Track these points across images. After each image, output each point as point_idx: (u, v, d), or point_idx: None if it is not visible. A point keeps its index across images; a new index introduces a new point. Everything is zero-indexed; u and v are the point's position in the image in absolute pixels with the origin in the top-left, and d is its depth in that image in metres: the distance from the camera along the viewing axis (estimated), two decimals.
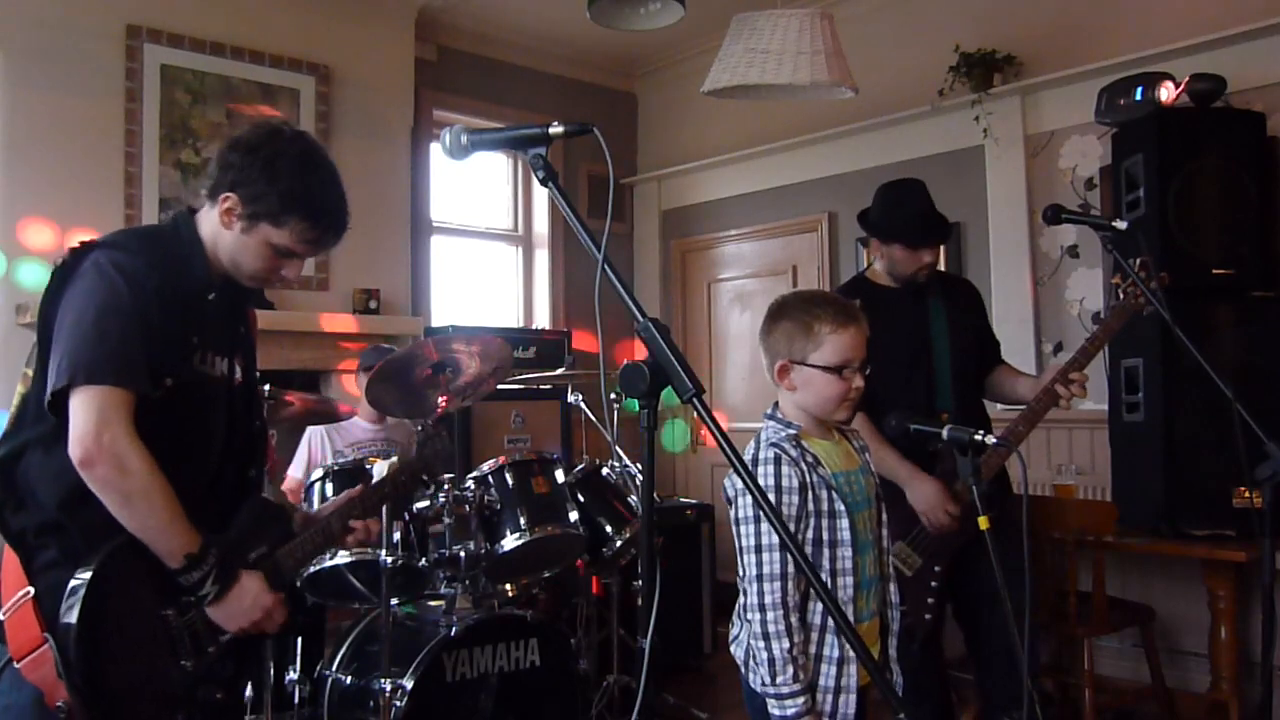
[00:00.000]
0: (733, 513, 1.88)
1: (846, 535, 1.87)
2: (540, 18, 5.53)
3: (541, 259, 6.09)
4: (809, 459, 1.89)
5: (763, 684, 1.80)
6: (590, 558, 3.34)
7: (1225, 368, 2.31)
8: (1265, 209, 3.56)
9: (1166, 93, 3.61)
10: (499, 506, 3.07)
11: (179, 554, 1.69)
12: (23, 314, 3.92)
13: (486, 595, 3.09)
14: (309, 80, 4.81)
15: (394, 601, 2.88)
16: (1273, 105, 3.74)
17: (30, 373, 1.76)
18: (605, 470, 3.54)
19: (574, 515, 3.16)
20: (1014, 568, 1.84)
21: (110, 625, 1.64)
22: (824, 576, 1.85)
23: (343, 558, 2.84)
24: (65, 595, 1.62)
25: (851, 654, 1.82)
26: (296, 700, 3.03)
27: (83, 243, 1.77)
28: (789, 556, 1.77)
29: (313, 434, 3.70)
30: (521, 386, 4.64)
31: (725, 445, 1.18)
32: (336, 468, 3.11)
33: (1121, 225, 2.53)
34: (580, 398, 4.02)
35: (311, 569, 2.86)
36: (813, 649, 1.84)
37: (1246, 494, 3.16)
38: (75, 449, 1.63)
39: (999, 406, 3.29)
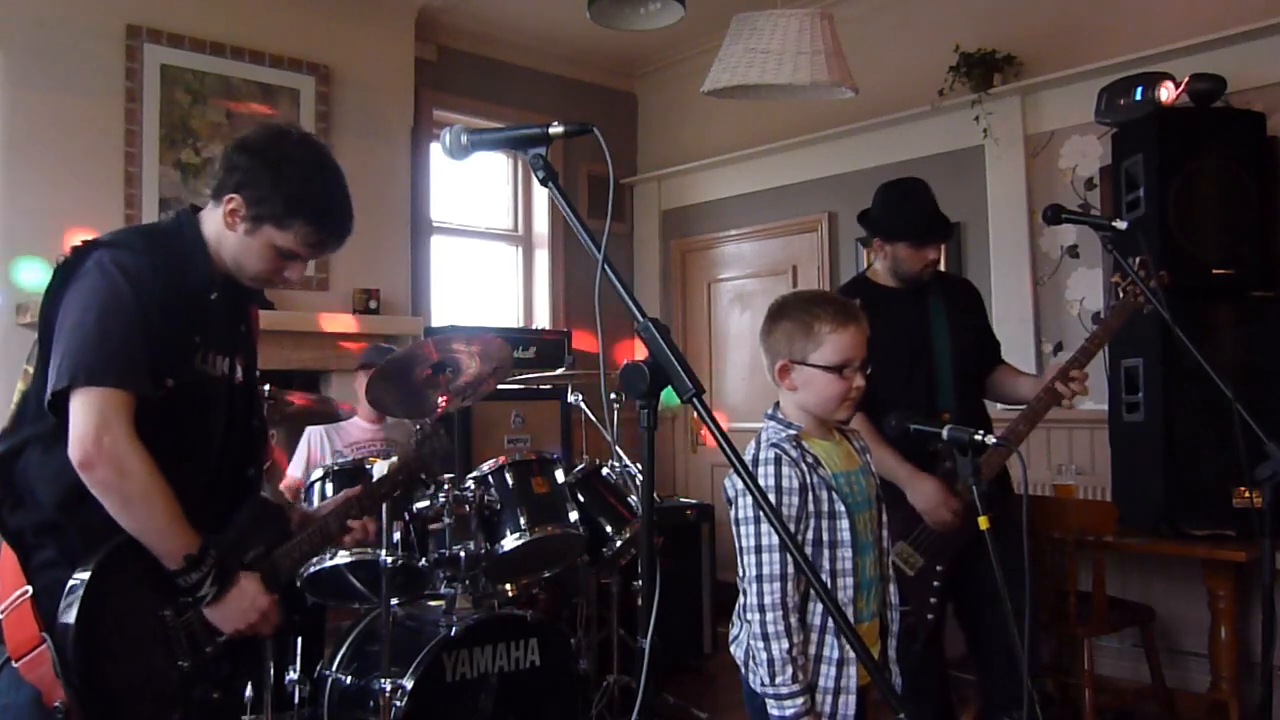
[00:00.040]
0: (733, 513, 1.88)
1: (847, 536, 1.87)
2: (540, 18, 5.53)
3: (541, 259, 6.09)
4: (809, 460, 1.89)
5: (762, 684, 1.80)
6: (590, 558, 3.34)
7: (1225, 368, 2.31)
8: (1265, 209, 3.56)
9: (1166, 93, 3.60)
10: (499, 506, 3.06)
11: (178, 555, 1.69)
12: (23, 314, 3.92)
13: (486, 595, 3.09)
14: (309, 80, 4.81)
15: (394, 601, 2.88)
16: (1273, 105, 3.74)
17: (31, 370, 1.76)
18: (605, 470, 3.54)
19: (574, 515, 3.16)
20: (1015, 568, 1.84)
21: (108, 625, 1.64)
22: (824, 577, 1.85)
23: (343, 558, 2.84)
24: (63, 595, 1.62)
25: (851, 655, 1.82)
26: (296, 700, 3.03)
27: (85, 241, 1.76)
28: (789, 557, 1.77)
29: (312, 434, 3.70)
30: (521, 386, 4.64)
31: (725, 446, 1.18)
32: (336, 468, 3.11)
33: (1121, 225, 2.53)
34: (580, 398, 4.02)
35: (312, 569, 2.86)
36: (812, 650, 1.84)
37: (1246, 494, 3.16)
38: (75, 451, 1.63)
39: (999, 406, 3.29)
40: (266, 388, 2.89)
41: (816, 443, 1.95)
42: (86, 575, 1.63)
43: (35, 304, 1.95)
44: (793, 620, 1.80)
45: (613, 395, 3.73)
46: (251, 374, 1.99)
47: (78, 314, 1.68)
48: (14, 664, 1.62)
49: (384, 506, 2.64)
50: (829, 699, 1.83)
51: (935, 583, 2.71)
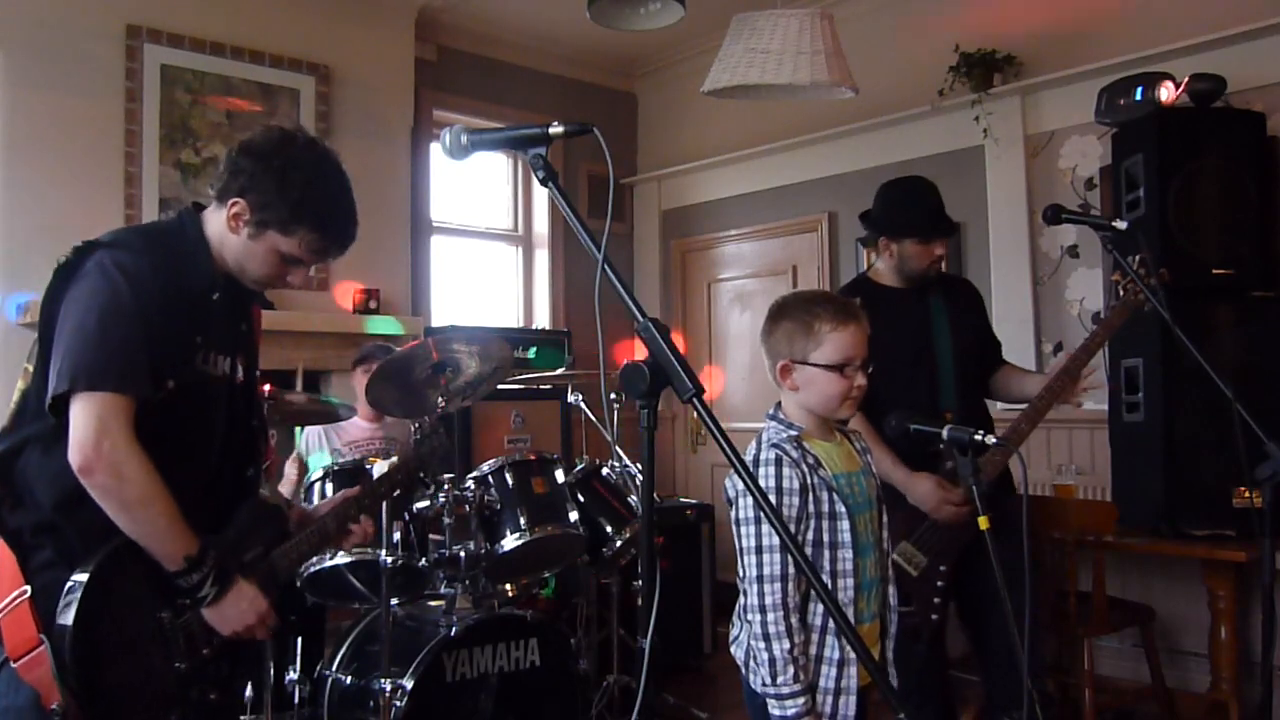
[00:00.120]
0: (733, 513, 1.88)
1: (847, 537, 1.87)
2: (540, 18, 5.53)
3: (541, 259, 6.08)
4: (810, 460, 1.89)
5: (763, 684, 1.80)
6: (590, 558, 3.34)
7: (1225, 368, 2.30)
8: (1265, 209, 3.56)
9: (1166, 93, 3.60)
10: (499, 506, 3.07)
11: (178, 557, 1.69)
12: (23, 314, 3.92)
13: (486, 595, 3.09)
14: (309, 80, 4.80)
15: (394, 601, 2.88)
16: (1273, 105, 3.74)
17: (31, 368, 1.76)
18: (605, 470, 3.54)
19: (574, 515, 3.16)
20: (1016, 567, 1.84)
21: (106, 627, 1.64)
22: (824, 578, 1.85)
23: (342, 558, 2.84)
24: (62, 596, 1.62)
25: (852, 656, 1.82)
26: (296, 700, 3.03)
27: (86, 241, 1.76)
28: (789, 558, 1.77)
29: (310, 433, 3.70)
30: (521, 386, 4.64)
31: (726, 446, 1.18)
32: (336, 468, 3.11)
33: (1121, 225, 2.53)
34: (580, 398, 4.02)
35: (311, 569, 2.86)
36: (813, 650, 1.84)
37: (1246, 494, 3.16)
38: (75, 456, 1.63)
39: (999, 406, 3.29)
40: (266, 388, 2.89)
41: (817, 443, 1.95)
42: (85, 577, 1.63)
43: (35, 304, 1.94)
44: (794, 621, 1.80)
45: (613, 395, 3.73)
46: (252, 374, 1.99)
47: (78, 316, 1.68)
48: (12, 665, 1.62)
49: (384, 506, 2.64)
50: (829, 699, 1.83)
51: (939, 583, 2.70)
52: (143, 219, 4.24)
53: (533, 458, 3.23)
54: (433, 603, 3.12)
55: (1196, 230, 3.46)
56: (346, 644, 3.05)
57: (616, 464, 3.64)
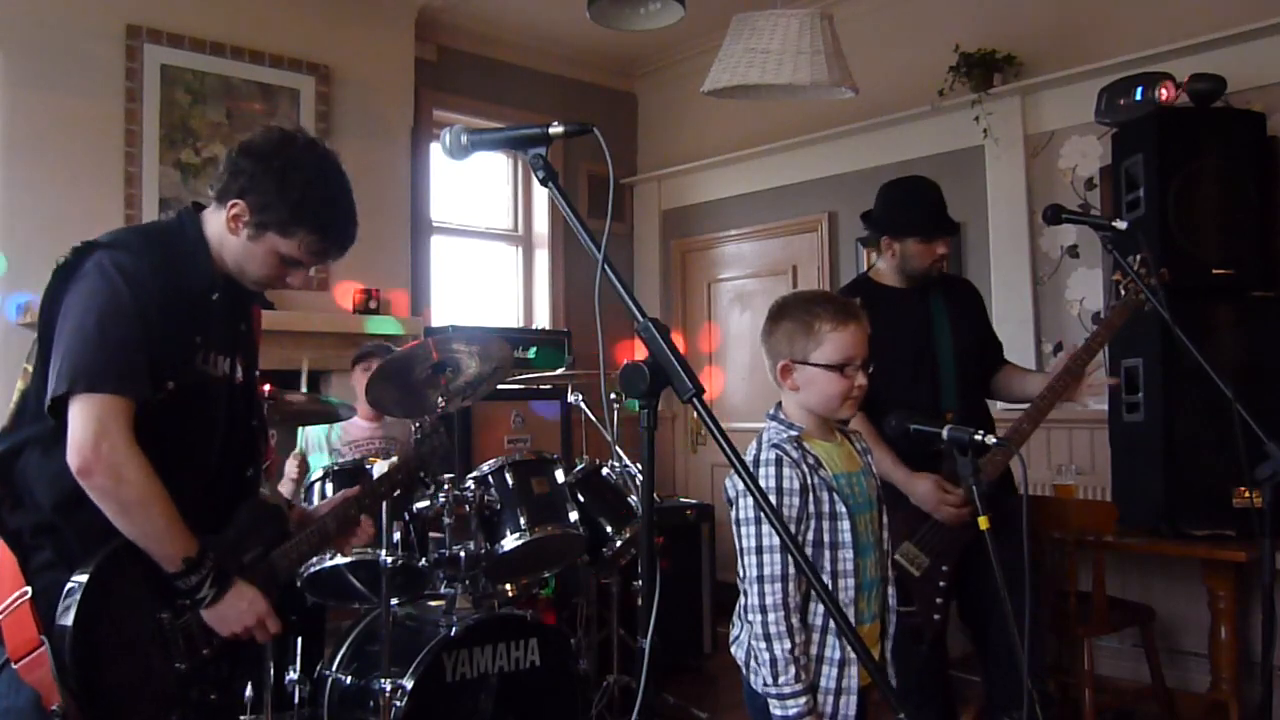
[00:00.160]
0: (734, 514, 1.88)
1: (848, 537, 1.87)
2: (540, 18, 5.53)
3: (541, 259, 6.08)
4: (810, 460, 1.89)
5: (764, 685, 1.80)
6: (590, 558, 3.34)
7: (1225, 368, 2.31)
8: (1265, 209, 3.56)
9: (1166, 93, 3.60)
10: (499, 506, 3.06)
11: (177, 559, 1.69)
12: (23, 314, 3.92)
13: (486, 595, 3.09)
14: (309, 80, 4.80)
15: (394, 601, 2.88)
16: (1273, 105, 3.74)
17: (30, 368, 1.76)
18: (605, 470, 3.54)
19: (574, 515, 3.16)
20: (1017, 567, 1.84)
21: (106, 628, 1.64)
22: (825, 578, 1.85)
23: (343, 558, 2.84)
24: (61, 598, 1.62)
25: (852, 656, 1.82)
26: (296, 700, 3.03)
27: (85, 242, 1.76)
28: (790, 558, 1.77)
29: (309, 434, 3.70)
30: (521, 386, 4.64)
31: (726, 446, 1.18)
32: (336, 468, 3.11)
33: (1121, 225, 2.53)
34: (580, 398, 4.02)
35: (311, 569, 2.86)
36: (813, 650, 1.84)
37: (1246, 494, 3.16)
38: (74, 458, 1.63)
39: (999, 405, 3.29)
40: (266, 388, 2.89)
41: (818, 444, 1.95)
42: (84, 578, 1.63)
43: (35, 304, 1.94)
44: (794, 621, 1.80)
45: (613, 395, 3.73)
46: (252, 374, 1.98)
47: (77, 317, 1.68)
48: (13, 666, 1.62)
49: (384, 506, 2.64)
50: (830, 699, 1.83)
51: (941, 583, 2.70)
52: (143, 219, 4.24)
53: (532, 458, 3.23)
54: (433, 603, 3.12)
55: (1196, 230, 3.46)
56: (346, 644, 3.05)
57: (616, 464, 3.64)
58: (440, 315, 5.44)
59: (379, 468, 2.91)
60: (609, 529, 3.31)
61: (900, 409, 2.07)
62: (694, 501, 4.76)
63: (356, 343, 4.59)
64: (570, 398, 4.02)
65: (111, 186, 4.27)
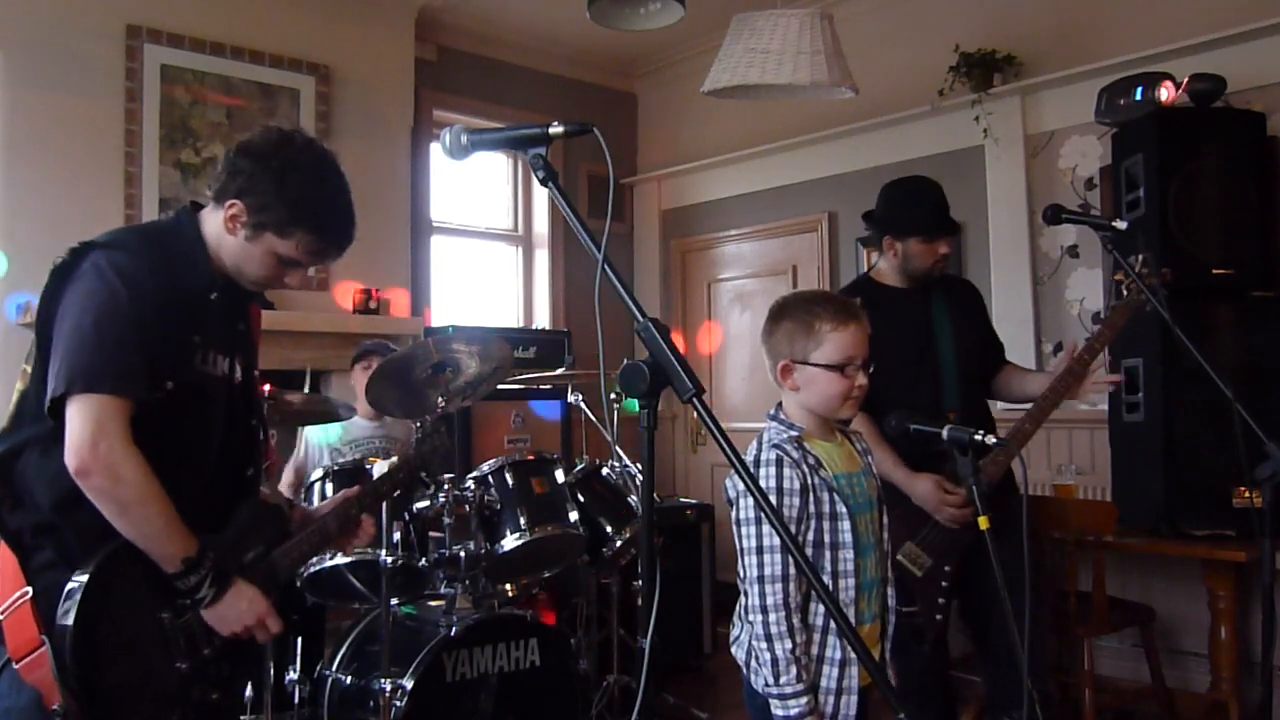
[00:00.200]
0: (734, 514, 1.88)
1: (848, 537, 1.87)
2: (540, 18, 5.53)
3: (541, 259, 6.08)
4: (810, 461, 1.89)
5: (765, 685, 1.80)
6: (590, 558, 3.34)
7: (1225, 368, 2.31)
8: (1265, 209, 3.56)
9: (1166, 93, 3.60)
10: (499, 506, 3.07)
11: (176, 559, 1.69)
12: (23, 314, 3.92)
13: (486, 595, 3.09)
14: (309, 80, 4.81)
15: (394, 601, 2.88)
16: (1273, 105, 3.74)
17: (29, 370, 1.76)
18: (605, 470, 3.54)
19: (574, 515, 3.16)
20: (1018, 567, 1.84)
21: (106, 628, 1.64)
22: (825, 579, 1.85)
23: (343, 558, 2.84)
24: (62, 598, 1.62)
25: (853, 655, 1.82)
26: (296, 700, 3.03)
27: (82, 242, 1.76)
28: (790, 558, 1.77)
29: (310, 433, 3.70)
30: (521, 386, 4.64)
31: (726, 446, 1.18)
32: (336, 468, 3.11)
33: (1121, 225, 2.53)
34: (580, 398, 4.02)
35: (311, 569, 2.86)
36: (814, 650, 1.84)
37: (1246, 494, 3.16)
38: (71, 459, 1.63)
39: (999, 405, 3.29)
40: (266, 388, 2.89)
41: (818, 444, 1.95)
42: (85, 578, 1.63)
43: (35, 305, 1.94)
44: (795, 621, 1.80)
45: (613, 395, 3.73)
46: (251, 373, 1.98)
47: (75, 318, 1.67)
48: (14, 666, 1.62)
49: (384, 506, 2.64)
50: (831, 699, 1.83)
51: (943, 583, 2.70)
52: (143, 219, 4.24)
53: (532, 458, 3.23)
54: (433, 603, 3.12)
55: (1196, 230, 3.46)
56: (346, 644, 3.05)
57: (616, 464, 3.64)
58: (440, 315, 5.44)
59: (379, 468, 2.91)
60: (609, 529, 3.31)
61: (901, 409, 2.07)
62: (694, 501, 4.76)
63: (356, 343, 4.59)
64: (570, 398, 4.02)
65: (111, 186, 4.27)
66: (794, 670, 1.78)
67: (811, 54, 3.55)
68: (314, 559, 2.80)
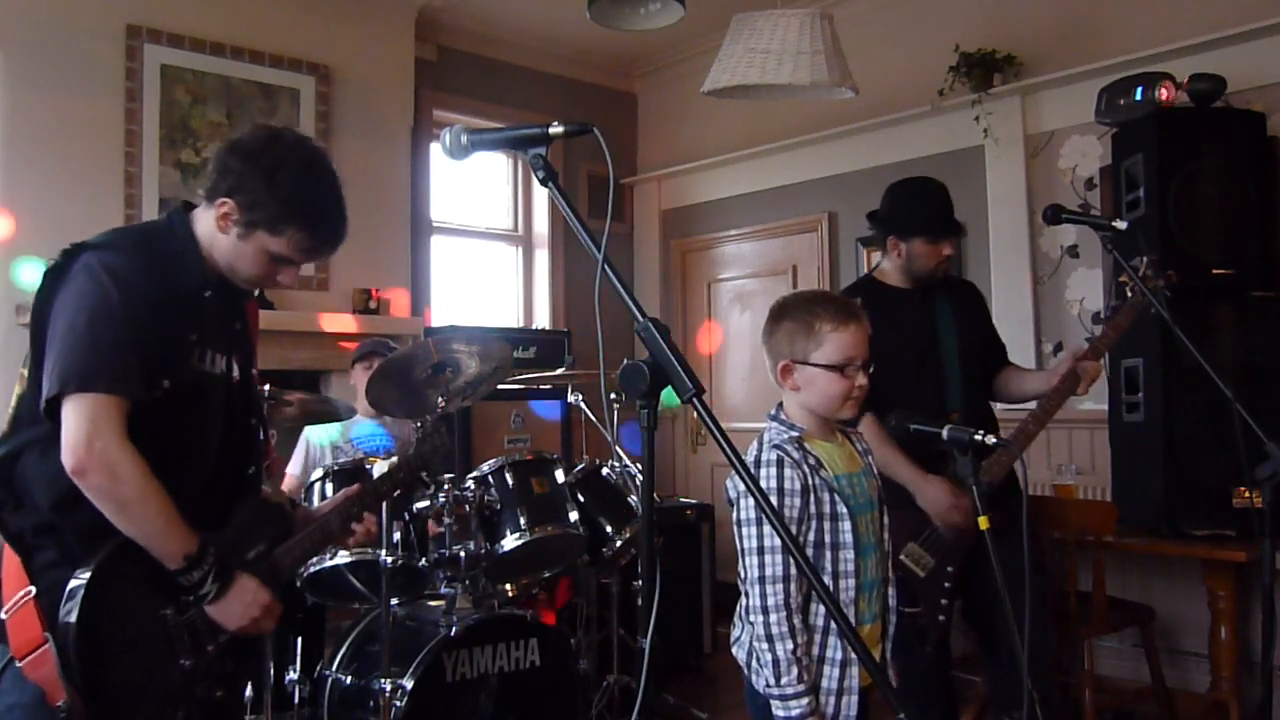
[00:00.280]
0: (734, 514, 1.88)
1: (848, 538, 1.87)
2: (540, 18, 5.53)
3: (541, 259, 6.09)
4: (811, 461, 1.89)
5: (766, 685, 1.80)
6: (590, 558, 3.34)
7: (1225, 368, 2.31)
8: (1265, 209, 3.56)
9: (1166, 93, 3.60)
10: (499, 506, 3.06)
11: (177, 555, 1.69)
12: (22, 314, 3.93)
13: (486, 595, 3.09)
14: (309, 80, 4.81)
15: (394, 601, 2.88)
16: (1273, 105, 3.74)
17: (26, 373, 1.76)
18: (605, 470, 3.53)
19: (574, 515, 3.16)
20: (1021, 567, 1.84)
21: (109, 625, 1.64)
22: (826, 579, 1.85)
23: (343, 558, 2.84)
24: (64, 596, 1.62)
25: (854, 656, 1.82)
26: (296, 700, 3.03)
27: (74, 244, 1.76)
28: (791, 559, 1.77)
29: (310, 433, 3.70)
30: (521, 386, 4.64)
31: (726, 446, 1.18)
32: (336, 467, 3.11)
33: (1121, 225, 2.54)
34: (580, 398, 4.02)
35: (312, 569, 2.86)
36: (815, 651, 1.84)
37: (1246, 494, 3.16)
38: (68, 458, 1.63)
39: (1000, 406, 3.29)
40: (266, 388, 2.89)
41: (819, 444, 1.94)
42: (87, 576, 1.63)
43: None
44: (796, 621, 1.80)
45: (613, 395, 3.73)
46: (249, 372, 1.98)
47: (68, 319, 1.68)
48: (18, 664, 1.63)
49: (384, 506, 2.64)
50: (832, 700, 1.83)
51: (946, 583, 2.70)
52: (142, 219, 4.24)
53: (532, 458, 3.23)
54: (433, 603, 3.12)
55: (1196, 230, 3.46)
56: (346, 644, 3.05)
57: (616, 464, 3.64)
58: (440, 315, 5.44)
59: (379, 467, 2.91)
60: (609, 529, 3.31)
61: (902, 409, 2.07)
62: (694, 501, 4.76)
63: (356, 343, 4.60)
64: (570, 398, 4.02)
65: (111, 186, 4.27)
66: (795, 671, 1.78)
67: (811, 54, 3.55)
68: (314, 558, 2.79)
